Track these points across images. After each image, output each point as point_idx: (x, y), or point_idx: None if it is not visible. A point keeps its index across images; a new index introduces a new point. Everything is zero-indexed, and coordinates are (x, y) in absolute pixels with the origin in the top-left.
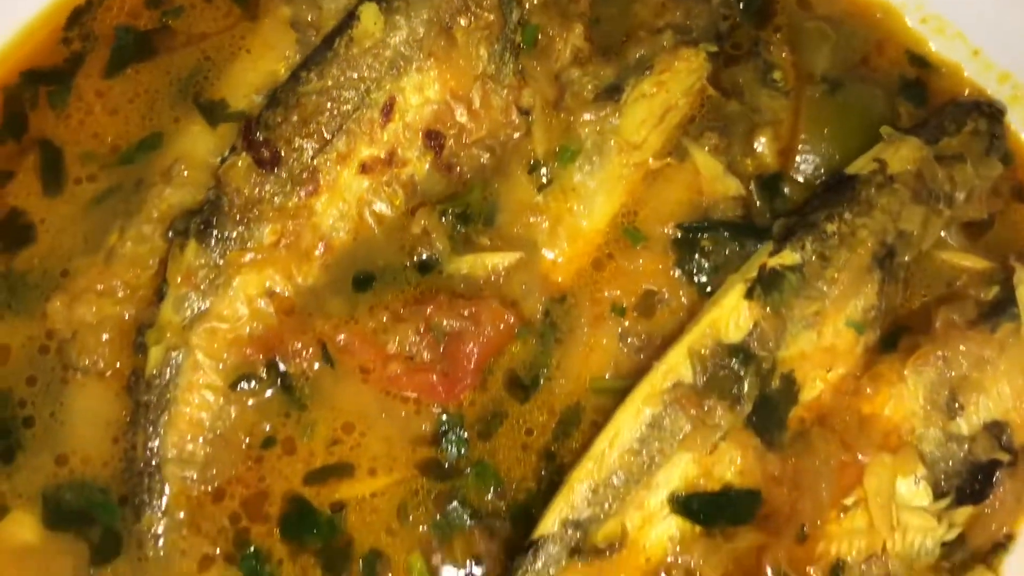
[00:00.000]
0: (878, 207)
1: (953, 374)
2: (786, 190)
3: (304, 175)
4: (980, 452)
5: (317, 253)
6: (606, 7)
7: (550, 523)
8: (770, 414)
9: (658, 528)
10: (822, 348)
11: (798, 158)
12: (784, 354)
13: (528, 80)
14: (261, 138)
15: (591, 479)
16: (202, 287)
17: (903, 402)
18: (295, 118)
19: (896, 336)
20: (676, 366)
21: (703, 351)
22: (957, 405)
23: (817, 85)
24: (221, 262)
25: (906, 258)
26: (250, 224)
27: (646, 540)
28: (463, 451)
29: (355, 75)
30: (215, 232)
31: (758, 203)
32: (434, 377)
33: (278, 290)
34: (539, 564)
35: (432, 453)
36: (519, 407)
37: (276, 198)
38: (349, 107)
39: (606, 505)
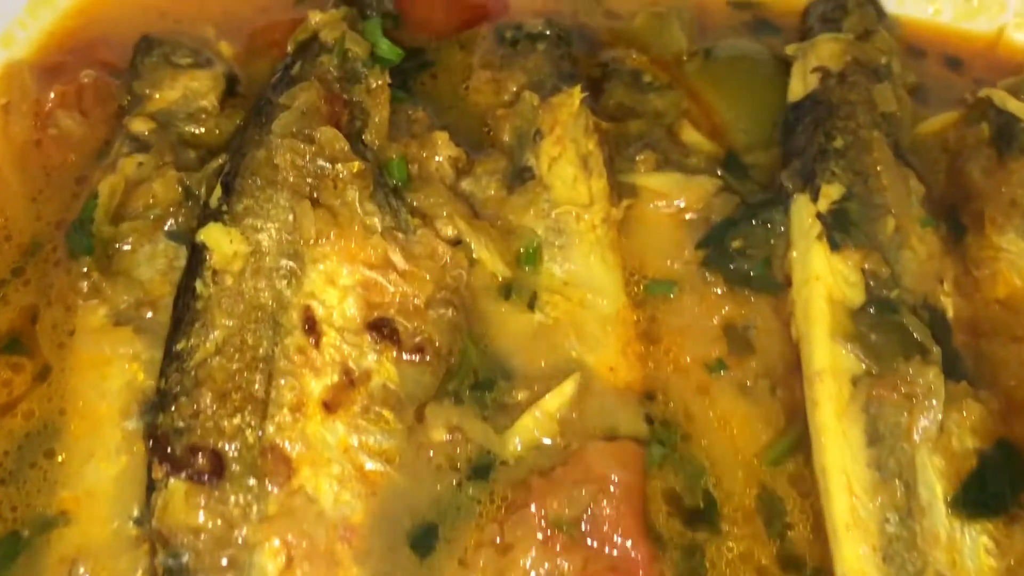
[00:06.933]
0: (855, 103)
1: None
2: (748, 159)
3: (264, 461)
4: None
5: (343, 547)
6: (443, 115)
7: None
8: (946, 353)
9: (965, 550)
10: (921, 260)
11: (731, 126)
12: (906, 284)
13: (429, 212)
14: (180, 448)
15: (865, 545)
16: None
17: (1017, 259)
18: (207, 399)
19: (950, 218)
20: (835, 366)
21: (845, 330)
22: None
23: (692, 60)
24: None
25: (902, 143)
26: (237, 567)
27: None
28: None
29: (246, 308)
30: None
31: (737, 185)
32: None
33: None
34: None
35: None
36: (712, 535)
37: (250, 510)
38: (263, 347)
39: (907, 565)
